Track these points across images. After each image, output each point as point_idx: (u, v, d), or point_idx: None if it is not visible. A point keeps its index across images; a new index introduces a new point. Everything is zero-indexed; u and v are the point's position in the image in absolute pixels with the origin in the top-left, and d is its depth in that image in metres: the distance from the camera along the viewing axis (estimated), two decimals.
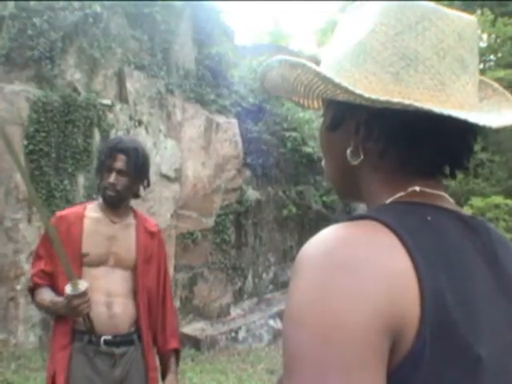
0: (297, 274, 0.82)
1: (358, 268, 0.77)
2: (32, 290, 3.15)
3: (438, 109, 0.84)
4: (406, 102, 0.85)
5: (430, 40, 0.90)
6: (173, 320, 3.31)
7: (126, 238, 3.15)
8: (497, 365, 0.86)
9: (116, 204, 3.13)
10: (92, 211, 3.18)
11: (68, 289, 2.79)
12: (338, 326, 0.74)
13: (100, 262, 3.07)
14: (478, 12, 14.99)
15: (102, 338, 2.97)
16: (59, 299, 2.92)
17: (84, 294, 2.79)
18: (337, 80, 0.88)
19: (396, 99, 0.86)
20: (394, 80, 0.90)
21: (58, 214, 3.21)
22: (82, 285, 2.82)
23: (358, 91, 0.86)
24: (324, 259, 0.80)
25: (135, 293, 3.14)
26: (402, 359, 0.77)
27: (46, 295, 3.04)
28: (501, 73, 12.83)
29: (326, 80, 0.90)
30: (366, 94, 0.85)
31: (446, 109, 0.86)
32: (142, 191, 3.30)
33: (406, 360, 0.77)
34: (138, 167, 3.09)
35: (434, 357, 0.77)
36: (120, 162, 3.04)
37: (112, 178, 3.03)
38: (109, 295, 3.05)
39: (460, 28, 0.92)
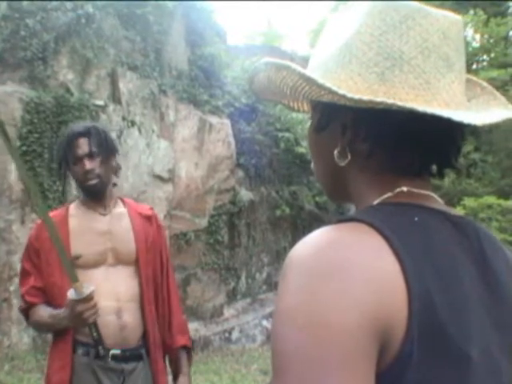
0: (286, 276, 0.83)
1: (346, 270, 0.78)
2: (26, 310, 2.79)
3: (421, 107, 0.84)
4: (389, 101, 0.85)
5: (414, 39, 0.90)
6: (179, 314, 2.94)
7: (121, 229, 2.82)
8: (487, 365, 0.86)
9: (101, 192, 2.81)
10: (76, 209, 2.87)
11: (71, 293, 2.47)
12: (326, 326, 0.74)
13: (98, 262, 2.74)
14: (471, 12, 15.01)
15: (111, 353, 2.63)
16: (60, 311, 2.58)
17: (89, 298, 2.46)
18: (320, 81, 0.88)
19: (379, 98, 0.86)
20: (379, 80, 0.90)
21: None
22: (87, 288, 2.47)
23: (342, 91, 0.86)
24: (312, 262, 0.80)
25: (141, 293, 2.80)
26: (392, 360, 0.78)
27: (43, 311, 2.70)
28: (494, 73, 12.84)
29: (310, 81, 0.90)
30: (349, 94, 0.85)
31: (430, 107, 0.86)
32: (115, 180, 2.97)
33: (395, 360, 0.78)
34: (103, 144, 2.80)
35: (422, 357, 0.78)
36: (85, 146, 2.74)
37: (86, 164, 2.72)
38: (117, 300, 2.72)
39: (444, 27, 0.92)
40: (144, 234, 2.86)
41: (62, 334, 2.67)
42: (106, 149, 2.81)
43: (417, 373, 0.78)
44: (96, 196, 2.83)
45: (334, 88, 0.87)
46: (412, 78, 0.90)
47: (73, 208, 2.88)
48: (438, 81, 0.91)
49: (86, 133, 2.76)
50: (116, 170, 2.95)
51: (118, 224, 2.84)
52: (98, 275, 2.72)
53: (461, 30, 0.96)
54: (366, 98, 0.85)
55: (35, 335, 7.05)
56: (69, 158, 2.77)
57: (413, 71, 0.90)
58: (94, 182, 2.75)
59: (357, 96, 0.85)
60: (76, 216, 2.83)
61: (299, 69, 0.92)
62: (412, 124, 0.89)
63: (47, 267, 2.71)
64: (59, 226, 2.65)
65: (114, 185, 2.96)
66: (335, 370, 0.72)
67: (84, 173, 2.73)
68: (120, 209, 2.92)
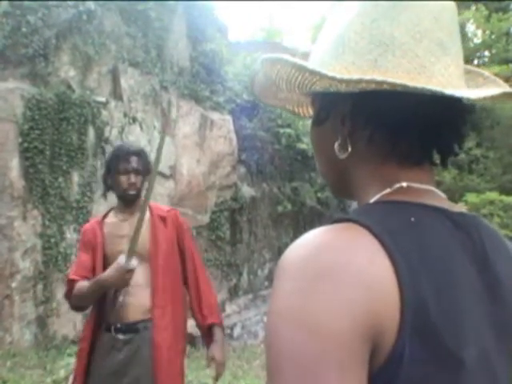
0: (278, 278, 0.82)
1: (338, 275, 0.77)
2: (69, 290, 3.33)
3: (411, 84, 0.83)
4: (379, 78, 0.83)
5: (404, 24, 0.89)
6: (209, 297, 3.46)
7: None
8: (482, 368, 0.85)
9: (135, 202, 3.43)
10: (111, 217, 3.51)
11: (121, 260, 3.05)
12: (316, 331, 0.74)
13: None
14: (473, 8, 15.02)
15: (112, 326, 3.22)
16: (103, 273, 3.15)
17: (133, 269, 3.07)
18: (310, 67, 0.88)
19: (368, 76, 0.84)
20: (372, 67, 0.89)
21: (84, 227, 3.55)
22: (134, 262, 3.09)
23: (331, 74, 0.85)
24: (304, 265, 0.79)
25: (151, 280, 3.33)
26: (384, 361, 0.77)
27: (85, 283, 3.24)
28: (496, 69, 12.85)
29: (301, 69, 0.90)
30: (339, 76, 0.85)
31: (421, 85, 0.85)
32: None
33: (388, 362, 0.77)
34: (147, 166, 3.46)
35: (414, 362, 0.77)
36: (134, 163, 3.37)
37: (132, 178, 3.35)
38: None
39: (436, 11, 0.91)
40: (155, 236, 3.38)
41: (90, 316, 3.32)
42: (148, 170, 3.46)
43: (408, 376, 0.77)
44: (129, 204, 3.45)
45: (324, 71, 0.86)
46: (405, 62, 0.88)
47: (109, 216, 3.53)
48: (433, 65, 0.89)
49: (139, 153, 3.43)
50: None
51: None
52: None
53: (454, 14, 0.95)
54: (355, 77, 0.84)
55: (37, 332, 7.06)
56: (118, 168, 3.38)
57: (405, 55, 0.88)
58: (132, 193, 3.39)
59: (346, 76, 0.85)
60: (109, 223, 3.47)
61: (291, 59, 0.91)
62: (410, 108, 0.88)
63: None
64: (96, 232, 3.39)
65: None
66: (326, 375, 0.72)
67: (127, 184, 3.37)
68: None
